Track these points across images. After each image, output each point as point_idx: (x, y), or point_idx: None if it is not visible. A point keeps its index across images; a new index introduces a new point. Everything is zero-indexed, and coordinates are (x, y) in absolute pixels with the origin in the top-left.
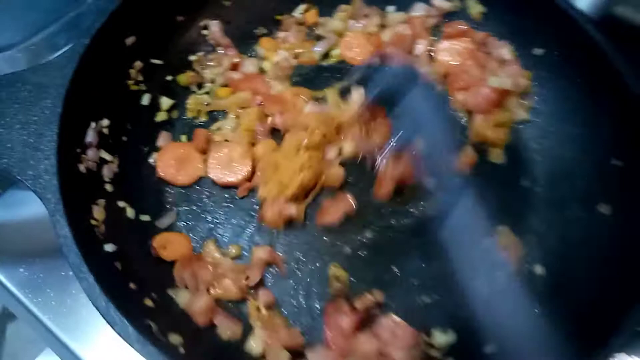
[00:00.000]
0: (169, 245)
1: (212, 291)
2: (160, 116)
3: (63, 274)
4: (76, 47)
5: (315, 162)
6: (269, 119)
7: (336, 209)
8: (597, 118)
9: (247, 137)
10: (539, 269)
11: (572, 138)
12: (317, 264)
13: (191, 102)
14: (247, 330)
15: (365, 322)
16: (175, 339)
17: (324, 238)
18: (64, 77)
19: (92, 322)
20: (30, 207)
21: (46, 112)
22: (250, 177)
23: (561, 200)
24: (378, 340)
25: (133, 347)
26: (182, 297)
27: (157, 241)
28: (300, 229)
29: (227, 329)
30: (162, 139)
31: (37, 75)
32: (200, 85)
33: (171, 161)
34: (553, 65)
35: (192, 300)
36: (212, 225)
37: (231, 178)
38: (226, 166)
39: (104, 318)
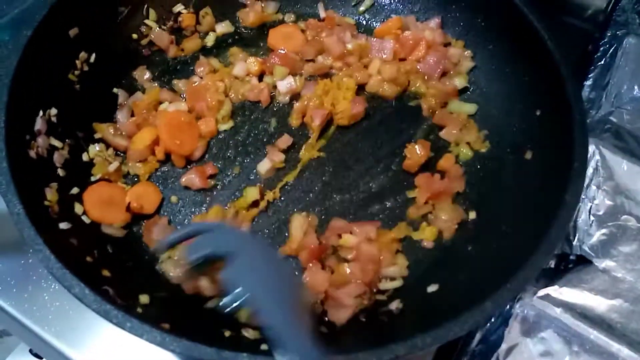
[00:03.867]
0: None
1: None
2: None
3: (22, 262)
4: (19, 39)
5: None
6: None
7: None
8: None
9: None
10: (472, 215)
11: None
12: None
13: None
14: None
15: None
16: (143, 298)
17: None
18: (8, 67)
19: (54, 305)
20: None
21: None
22: None
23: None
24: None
25: (90, 308)
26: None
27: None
28: None
29: (210, 290)
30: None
31: None
32: None
33: None
34: (479, 31)
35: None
36: None
37: None
38: None
39: (60, 283)
